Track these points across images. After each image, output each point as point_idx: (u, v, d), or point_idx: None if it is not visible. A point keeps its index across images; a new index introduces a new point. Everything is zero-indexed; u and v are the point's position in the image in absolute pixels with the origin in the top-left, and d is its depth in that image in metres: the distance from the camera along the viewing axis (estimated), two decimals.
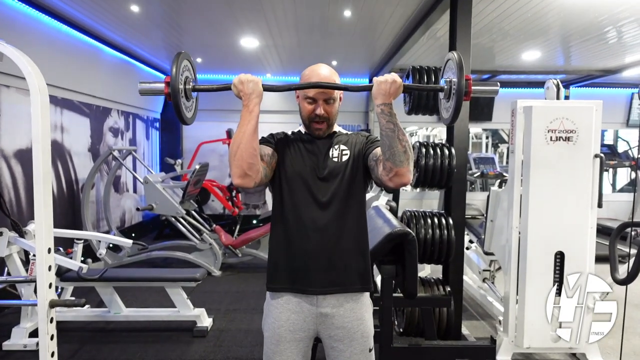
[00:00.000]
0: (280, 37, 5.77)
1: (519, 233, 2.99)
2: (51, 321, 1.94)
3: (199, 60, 7.37)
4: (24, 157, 4.32)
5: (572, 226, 2.90)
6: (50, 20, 4.73)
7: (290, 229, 1.63)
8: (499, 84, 1.66)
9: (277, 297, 1.65)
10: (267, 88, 1.56)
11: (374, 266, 2.58)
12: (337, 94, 1.65)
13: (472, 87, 1.52)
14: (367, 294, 1.70)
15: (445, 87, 1.59)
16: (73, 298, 3.74)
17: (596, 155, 2.89)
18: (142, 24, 5.29)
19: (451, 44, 3.44)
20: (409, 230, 2.12)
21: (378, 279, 3.32)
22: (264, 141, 1.67)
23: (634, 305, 3.92)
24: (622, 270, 2.51)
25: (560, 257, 2.90)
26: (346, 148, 1.67)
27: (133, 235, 6.83)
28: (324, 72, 1.63)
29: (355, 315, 1.63)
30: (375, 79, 1.49)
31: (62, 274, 3.45)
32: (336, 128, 1.74)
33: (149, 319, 3.71)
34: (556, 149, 2.86)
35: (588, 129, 2.86)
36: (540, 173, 2.89)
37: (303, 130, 1.73)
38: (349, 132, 1.76)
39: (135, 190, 7.38)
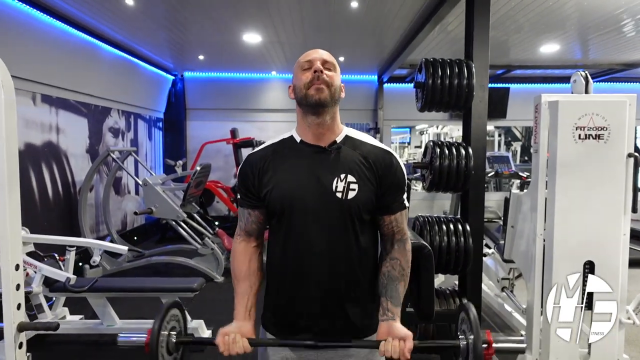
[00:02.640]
0: (284, 33, 5.56)
1: (544, 240, 2.74)
2: (20, 346, 1.72)
3: (200, 57, 7.14)
4: None
5: (603, 233, 2.62)
6: (43, 16, 4.52)
7: (281, 276, 1.43)
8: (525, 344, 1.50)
9: None
10: (257, 344, 1.50)
11: None
12: (337, 69, 1.40)
13: (493, 346, 1.35)
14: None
15: (462, 345, 1.36)
16: (65, 308, 3.56)
17: (630, 155, 2.62)
18: (141, 21, 5.09)
19: (467, 37, 3.17)
20: (424, 242, 1.87)
21: None
22: (244, 200, 1.43)
23: None
24: None
25: (589, 267, 2.63)
26: (354, 180, 1.34)
27: (135, 238, 6.65)
28: (321, 50, 1.40)
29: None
30: (381, 348, 1.31)
31: (52, 283, 3.25)
32: (347, 131, 1.42)
33: (144, 331, 3.48)
34: (585, 148, 2.59)
35: (621, 126, 2.59)
36: (568, 174, 2.62)
37: (297, 137, 1.41)
38: (362, 139, 1.42)
39: (137, 192, 7.18)
